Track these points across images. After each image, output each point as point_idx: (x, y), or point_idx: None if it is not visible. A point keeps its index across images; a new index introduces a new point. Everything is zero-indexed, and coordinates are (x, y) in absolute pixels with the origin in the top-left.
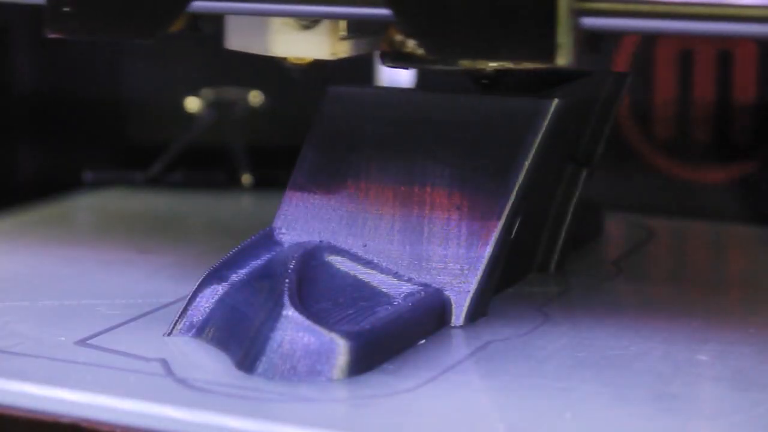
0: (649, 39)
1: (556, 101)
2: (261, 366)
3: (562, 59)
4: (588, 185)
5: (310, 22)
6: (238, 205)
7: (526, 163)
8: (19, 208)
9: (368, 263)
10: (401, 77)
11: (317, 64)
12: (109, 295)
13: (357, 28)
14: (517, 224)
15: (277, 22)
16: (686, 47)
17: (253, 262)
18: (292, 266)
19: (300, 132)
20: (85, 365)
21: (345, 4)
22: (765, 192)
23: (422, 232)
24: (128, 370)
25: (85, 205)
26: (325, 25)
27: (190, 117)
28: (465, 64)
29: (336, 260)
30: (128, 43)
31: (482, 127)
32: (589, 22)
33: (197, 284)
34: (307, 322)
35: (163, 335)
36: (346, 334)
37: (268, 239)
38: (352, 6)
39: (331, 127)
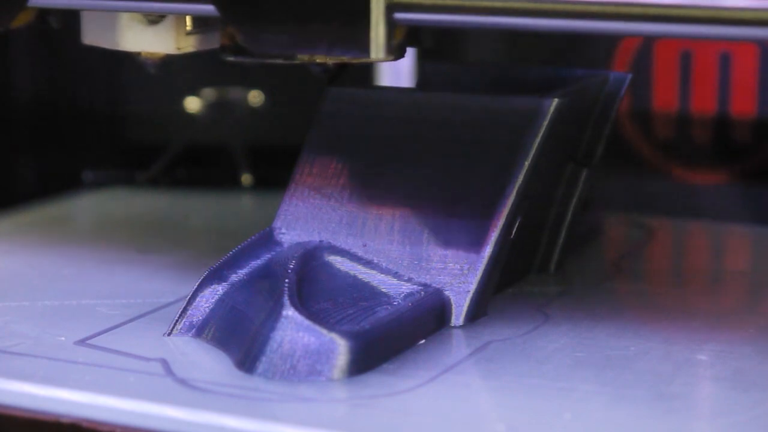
0: (650, 39)
1: (556, 101)
2: (261, 366)
3: (376, 54)
4: (588, 185)
5: (156, 17)
6: (238, 205)
7: (526, 163)
8: (19, 208)
9: (368, 263)
10: (401, 77)
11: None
12: (109, 295)
13: (202, 23)
14: (517, 224)
15: (125, 17)
16: (686, 48)
17: (253, 262)
18: (292, 266)
19: (300, 132)
20: (85, 365)
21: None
22: (765, 192)
23: (422, 232)
24: (128, 370)
25: (85, 205)
26: (170, 20)
27: (190, 117)
28: (303, 58)
29: (336, 260)
30: None
31: (482, 127)
32: (402, 17)
33: (197, 284)
34: (307, 322)
35: (163, 335)
36: (346, 334)
37: (268, 239)
38: (179, 3)
39: (331, 127)
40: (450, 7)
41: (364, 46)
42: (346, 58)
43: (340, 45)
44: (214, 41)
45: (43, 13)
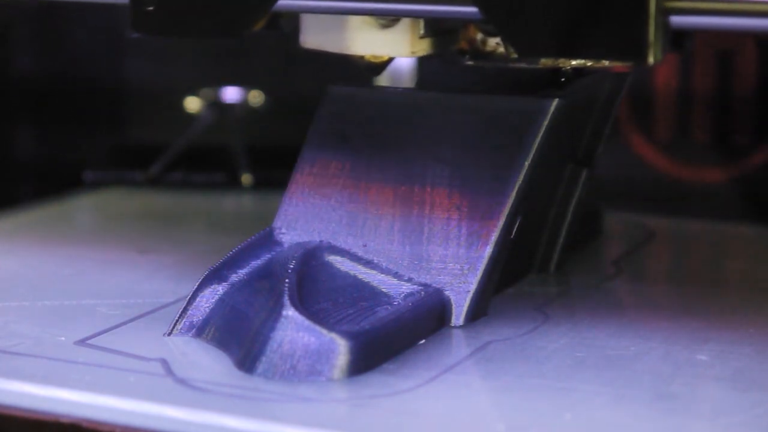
0: None
1: (556, 101)
2: (261, 366)
3: (652, 58)
4: (588, 185)
5: (389, 21)
6: (238, 205)
7: (526, 163)
8: (19, 208)
9: (368, 263)
10: (401, 77)
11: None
12: (109, 295)
13: (434, 26)
14: (517, 224)
15: (356, 20)
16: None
17: (253, 262)
18: (292, 266)
19: (300, 132)
20: (85, 365)
21: (430, 2)
22: (765, 192)
23: (422, 232)
24: (128, 370)
25: (85, 205)
26: (404, 23)
27: (190, 117)
28: (545, 62)
29: (336, 260)
30: (129, 43)
31: (482, 127)
32: (677, 20)
33: (197, 284)
34: (307, 322)
35: (163, 335)
36: (346, 334)
37: (268, 239)
38: (439, 5)
39: (331, 127)
40: (727, 11)
41: (641, 51)
42: (620, 64)
43: (615, 50)
44: (444, 44)
45: (276, 16)
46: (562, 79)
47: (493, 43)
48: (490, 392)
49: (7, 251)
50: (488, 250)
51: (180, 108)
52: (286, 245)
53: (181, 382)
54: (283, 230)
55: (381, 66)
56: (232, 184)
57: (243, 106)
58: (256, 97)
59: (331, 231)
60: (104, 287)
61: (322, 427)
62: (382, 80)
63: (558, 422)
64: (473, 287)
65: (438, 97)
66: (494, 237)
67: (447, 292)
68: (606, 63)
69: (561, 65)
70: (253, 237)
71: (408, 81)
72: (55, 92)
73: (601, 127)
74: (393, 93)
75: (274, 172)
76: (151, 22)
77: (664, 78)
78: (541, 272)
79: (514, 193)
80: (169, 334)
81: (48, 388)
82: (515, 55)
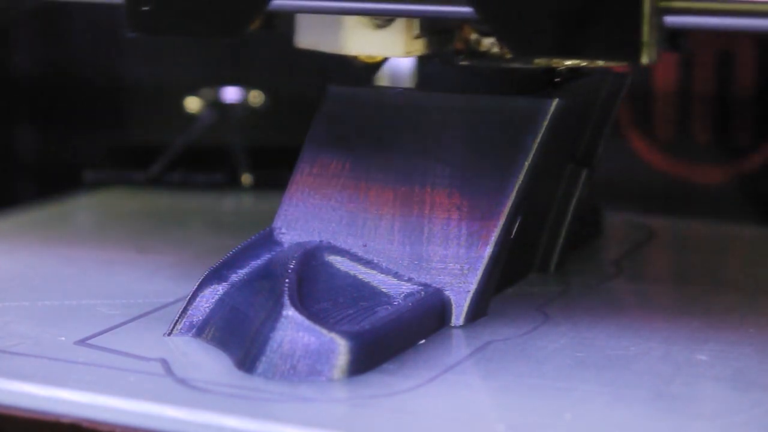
0: None
1: (556, 101)
2: (261, 366)
3: (646, 58)
4: (588, 185)
5: (384, 21)
6: (238, 205)
7: (526, 163)
8: (19, 208)
9: (368, 263)
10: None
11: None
12: (109, 295)
13: (429, 27)
14: (517, 224)
15: (350, 20)
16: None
17: (253, 262)
18: (292, 266)
19: (300, 132)
20: (85, 365)
21: (426, 2)
22: (765, 192)
23: (422, 232)
24: (128, 370)
25: (85, 205)
26: (399, 23)
27: (190, 117)
28: (539, 62)
29: (336, 260)
30: (129, 43)
31: (482, 127)
32: (671, 20)
33: (197, 284)
34: (307, 322)
35: (163, 335)
36: (346, 334)
37: (268, 239)
38: (434, 4)
39: (331, 127)
40: (721, 10)
41: (636, 51)
42: (613, 64)
43: (609, 50)
44: (438, 45)
45: (271, 16)
46: (557, 80)
47: (488, 43)
48: (490, 392)
49: (7, 251)
50: (488, 250)
51: (180, 108)
52: (286, 245)
53: (181, 382)
54: (283, 230)
55: (376, 66)
56: (232, 184)
57: (243, 106)
58: (256, 97)
59: (331, 231)
60: (104, 287)
61: (322, 427)
62: (382, 80)
63: (558, 422)
64: (473, 287)
65: (438, 97)
66: (494, 237)
67: (447, 292)
68: (600, 63)
69: (555, 65)
70: (253, 237)
71: (408, 81)
72: (55, 92)
73: (601, 127)
74: (393, 93)
75: (274, 172)
76: (147, 21)
77: (664, 78)
78: (541, 272)
79: (514, 193)
80: (169, 334)
81: (48, 388)
82: (510, 55)
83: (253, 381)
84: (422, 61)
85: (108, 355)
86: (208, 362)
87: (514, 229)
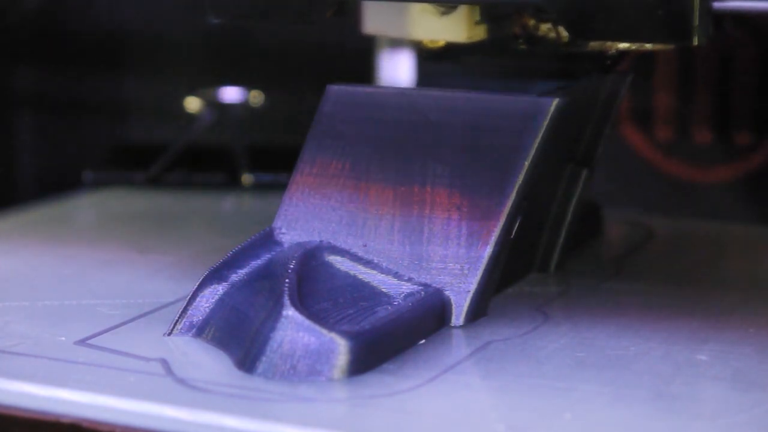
0: None
1: (556, 101)
2: (261, 366)
3: (697, 40)
4: (588, 185)
5: (447, 8)
6: (238, 205)
7: (526, 163)
8: (19, 208)
9: (368, 263)
10: (401, 77)
11: None
12: (109, 295)
13: (489, 13)
14: (517, 224)
15: (416, 7)
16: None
17: (253, 262)
18: (292, 266)
19: (300, 132)
20: (85, 365)
21: None
22: (765, 192)
23: (422, 232)
24: (128, 370)
25: (85, 205)
26: (461, 10)
27: (190, 117)
28: (593, 46)
29: (336, 260)
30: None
31: (482, 127)
32: (719, 5)
33: (197, 284)
34: (307, 322)
35: (163, 335)
36: (346, 334)
37: (268, 239)
38: None
39: (331, 127)
40: None
41: (687, 34)
42: (667, 45)
43: (662, 33)
44: (498, 30)
45: (342, 3)
46: (608, 62)
47: (545, 28)
48: (490, 392)
49: (7, 251)
50: (488, 250)
51: (180, 108)
52: (286, 245)
53: (181, 382)
54: (283, 230)
55: (438, 51)
56: (232, 184)
57: (243, 106)
58: (256, 97)
59: (331, 231)
60: (104, 287)
61: (322, 427)
62: (382, 80)
63: (558, 422)
64: (473, 287)
65: (438, 97)
66: (494, 237)
67: (447, 292)
68: (648, 46)
69: (608, 48)
70: (253, 237)
71: (408, 81)
72: (56, 92)
73: (601, 127)
74: (393, 93)
75: (274, 172)
76: (228, 7)
77: (664, 78)
78: (541, 272)
79: (514, 193)
80: (169, 334)
81: (48, 388)
82: (567, 40)
83: (253, 381)
84: (422, 61)
85: (108, 355)
86: (208, 362)
87: (514, 229)
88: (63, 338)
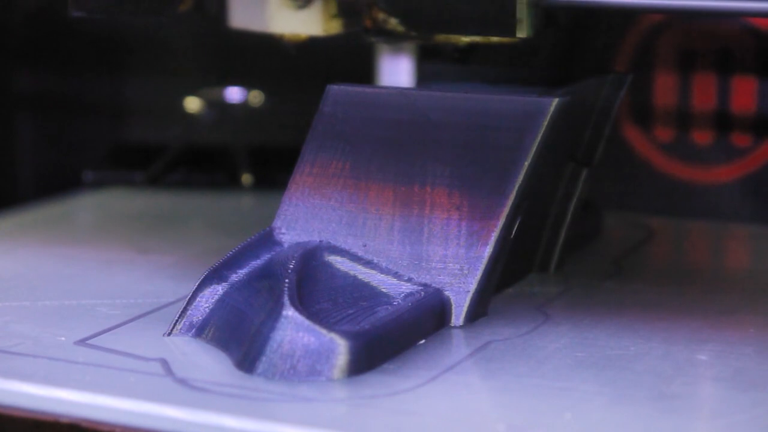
0: (650, 38)
1: (556, 101)
2: (261, 366)
3: (522, 33)
4: (588, 185)
5: (303, 2)
6: (238, 205)
7: (526, 163)
8: (19, 208)
9: (368, 263)
10: (401, 77)
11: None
12: (109, 295)
13: (344, 7)
14: (517, 224)
15: (275, 2)
16: (687, 46)
17: (253, 262)
18: (292, 266)
19: (300, 132)
20: (85, 365)
21: None
22: (765, 192)
23: (422, 232)
24: (128, 370)
25: (85, 205)
26: (317, 4)
27: (190, 117)
28: (439, 38)
29: (336, 260)
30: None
31: (482, 127)
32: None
33: (197, 284)
34: (307, 322)
35: (163, 335)
36: (346, 334)
37: (268, 239)
38: None
39: (331, 127)
40: None
41: (511, 26)
42: (493, 38)
43: (489, 26)
44: (353, 25)
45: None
46: (456, 55)
47: (394, 21)
48: (490, 392)
49: (7, 251)
50: (488, 250)
51: (180, 108)
52: (286, 245)
53: (181, 382)
54: (283, 230)
55: (300, 45)
56: (232, 184)
57: (243, 106)
58: (256, 97)
59: (331, 231)
60: (104, 287)
61: (322, 427)
62: (382, 80)
63: (558, 422)
64: (473, 287)
65: (438, 97)
66: (494, 237)
67: (447, 292)
68: (495, 39)
69: (454, 42)
70: (253, 237)
71: (408, 81)
72: (56, 92)
73: (601, 127)
74: (393, 93)
75: (274, 172)
76: (87, 2)
77: (664, 78)
78: (541, 272)
79: (514, 193)
80: (169, 334)
81: (48, 388)
82: (412, 33)
83: (253, 381)
84: (422, 61)
85: (108, 355)
86: (208, 362)
87: (514, 229)
88: (63, 338)
